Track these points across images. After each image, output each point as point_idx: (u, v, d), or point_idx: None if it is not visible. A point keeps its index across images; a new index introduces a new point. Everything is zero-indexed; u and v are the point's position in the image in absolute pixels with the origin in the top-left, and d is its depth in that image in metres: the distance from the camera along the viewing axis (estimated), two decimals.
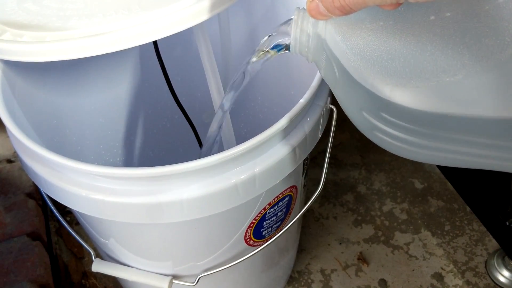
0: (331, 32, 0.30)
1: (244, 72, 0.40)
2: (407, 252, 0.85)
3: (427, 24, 0.27)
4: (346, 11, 0.26)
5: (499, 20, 0.25)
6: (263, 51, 0.37)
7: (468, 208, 0.91)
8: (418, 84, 0.27)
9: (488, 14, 0.25)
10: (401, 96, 0.28)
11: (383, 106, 0.29)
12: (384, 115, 0.29)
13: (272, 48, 0.36)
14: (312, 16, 0.29)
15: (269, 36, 0.36)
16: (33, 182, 0.82)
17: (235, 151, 0.40)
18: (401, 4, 0.25)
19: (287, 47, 0.35)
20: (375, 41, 0.28)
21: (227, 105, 0.46)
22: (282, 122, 0.42)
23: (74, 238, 0.84)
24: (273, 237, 0.56)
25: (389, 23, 0.28)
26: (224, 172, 0.42)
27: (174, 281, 0.53)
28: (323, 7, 0.27)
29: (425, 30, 0.27)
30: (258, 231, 0.54)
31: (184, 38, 0.73)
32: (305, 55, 0.34)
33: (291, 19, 0.34)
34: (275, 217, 0.54)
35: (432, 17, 0.26)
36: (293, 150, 0.45)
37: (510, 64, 0.25)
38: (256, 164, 0.43)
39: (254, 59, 0.38)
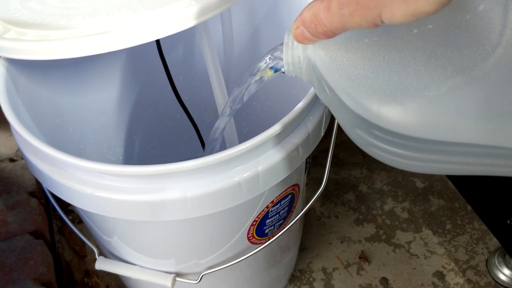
0: (320, 54, 0.31)
1: (242, 96, 0.42)
2: (408, 251, 0.85)
3: (410, 38, 0.26)
4: (330, 35, 0.27)
5: (480, 29, 0.24)
6: (259, 75, 0.39)
7: (469, 207, 0.91)
8: (403, 101, 0.27)
9: (469, 24, 0.25)
10: (388, 114, 0.27)
11: (372, 124, 0.29)
12: (376, 132, 0.29)
13: (269, 69, 0.38)
14: (299, 41, 0.30)
15: (263, 60, 0.38)
16: (36, 181, 0.82)
17: (238, 149, 0.40)
18: (379, 25, 0.25)
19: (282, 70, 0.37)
20: (360, 60, 0.29)
21: (223, 123, 0.47)
22: (286, 119, 0.42)
23: (76, 236, 0.85)
24: (276, 235, 0.56)
25: (374, 39, 0.28)
26: (227, 170, 0.42)
27: (177, 278, 0.53)
28: (308, 33, 0.28)
29: (408, 45, 0.26)
30: (260, 229, 0.54)
31: (186, 37, 0.73)
32: (299, 76, 0.35)
33: (282, 43, 0.34)
34: (277, 216, 0.55)
35: (415, 31, 0.26)
36: (296, 148, 0.45)
37: (493, 73, 0.24)
38: (259, 162, 0.43)
39: (252, 82, 0.40)
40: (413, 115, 0.27)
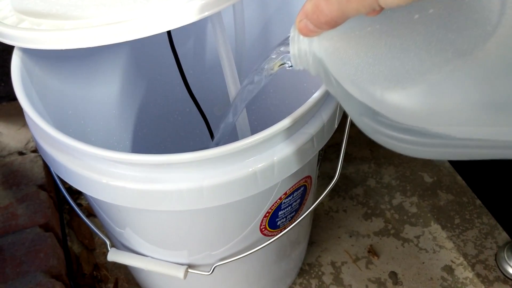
0: (325, 46, 0.31)
1: (252, 90, 0.43)
2: (417, 245, 0.85)
3: (411, 23, 0.26)
4: (333, 24, 0.27)
5: (480, 10, 0.24)
6: (267, 69, 0.39)
7: (477, 202, 0.91)
8: (405, 85, 0.27)
9: (469, 5, 0.25)
10: (391, 99, 0.27)
11: (377, 111, 0.29)
12: (382, 119, 0.29)
13: (277, 63, 0.38)
14: (304, 34, 0.30)
15: (271, 54, 0.38)
16: (45, 174, 0.82)
17: (254, 139, 0.40)
18: (381, 10, 0.25)
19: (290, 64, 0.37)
20: (363, 48, 0.29)
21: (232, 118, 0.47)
22: (301, 110, 0.42)
23: (85, 230, 0.85)
24: (287, 227, 0.56)
25: (376, 27, 0.28)
26: (243, 160, 0.42)
27: (189, 270, 0.53)
28: (311, 25, 0.28)
29: (409, 30, 0.26)
30: (273, 221, 0.54)
31: (197, 30, 0.73)
32: (307, 69, 0.35)
33: (289, 36, 0.35)
34: (290, 207, 0.55)
35: (416, 16, 0.26)
36: (311, 139, 0.45)
37: (495, 54, 0.24)
38: (274, 153, 0.43)
39: (261, 76, 0.40)
40: (416, 100, 0.27)
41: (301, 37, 0.33)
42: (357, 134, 1.10)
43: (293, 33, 0.34)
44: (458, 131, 0.27)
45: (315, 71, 0.34)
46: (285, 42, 0.36)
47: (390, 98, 0.27)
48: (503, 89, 0.24)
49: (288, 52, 0.35)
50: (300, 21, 0.29)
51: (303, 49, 0.33)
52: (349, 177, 0.96)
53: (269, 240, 0.54)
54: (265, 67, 0.39)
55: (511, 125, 0.25)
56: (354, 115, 0.32)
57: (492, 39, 0.24)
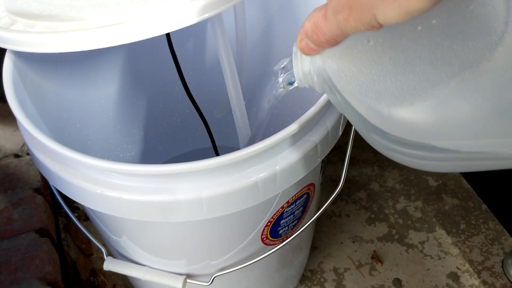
0: (328, 63, 0.31)
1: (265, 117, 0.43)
2: (421, 251, 0.83)
3: (415, 36, 0.25)
4: (333, 43, 0.27)
5: (484, 19, 0.23)
6: (278, 94, 0.39)
7: (483, 207, 0.89)
8: (413, 101, 0.26)
9: (473, 15, 0.24)
10: (399, 116, 0.27)
11: (385, 128, 0.29)
12: (390, 136, 0.29)
13: (283, 86, 0.38)
14: (306, 53, 0.30)
15: (277, 76, 0.38)
16: (41, 178, 0.81)
17: (255, 148, 0.39)
18: (381, 26, 0.24)
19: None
20: (366, 64, 0.28)
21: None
22: (304, 118, 0.40)
23: (83, 234, 0.83)
24: (290, 236, 0.54)
25: (379, 41, 0.27)
26: (244, 169, 0.40)
27: (188, 280, 0.52)
28: (312, 44, 0.28)
29: (413, 43, 0.26)
30: (275, 230, 0.52)
31: (196, 31, 0.71)
32: (313, 87, 0.35)
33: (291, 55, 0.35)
34: (292, 216, 0.53)
35: (419, 27, 0.25)
36: (315, 147, 0.43)
37: (502, 64, 0.23)
38: (277, 162, 0.41)
39: (270, 101, 0.41)
40: (424, 115, 0.26)
41: (304, 55, 0.32)
42: (360, 137, 1.08)
43: (295, 51, 0.33)
44: (467, 145, 0.26)
45: (320, 89, 0.34)
46: (288, 61, 0.37)
47: (397, 115, 0.27)
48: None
49: (292, 72, 0.35)
50: (301, 41, 0.29)
51: (306, 67, 0.33)
52: (352, 180, 0.94)
53: (271, 249, 0.53)
54: (274, 93, 0.39)
55: None
56: (363, 132, 0.32)
57: (498, 49, 0.23)
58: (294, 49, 0.33)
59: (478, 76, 0.24)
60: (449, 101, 0.25)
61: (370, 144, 0.32)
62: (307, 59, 0.32)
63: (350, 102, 0.30)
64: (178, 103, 0.76)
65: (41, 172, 0.45)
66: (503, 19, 0.23)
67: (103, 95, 0.66)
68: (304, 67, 0.33)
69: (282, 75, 0.37)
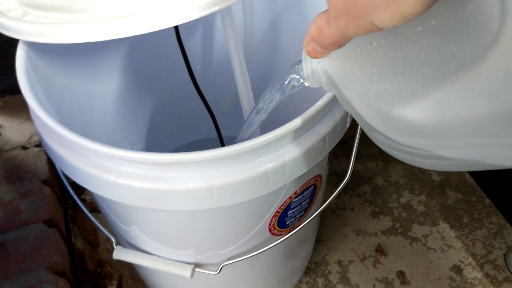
0: (334, 64, 0.31)
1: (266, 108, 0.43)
2: (425, 244, 0.84)
3: (414, 36, 0.26)
4: (337, 45, 0.28)
5: (481, 19, 0.23)
6: (282, 90, 0.40)
7: (486, 201, 0.90)
8: (409, 101, 0.26)
9: (471, 15, 0.24)
10: (397, 115, 0.27)
11: (384, 126, 0.29)
12: (391, 133, 0.29)
13: (293, 87, 0.39)
14: (312, 57, 0.30)
15: (287, 75, 0.39)
16: (49, 169, 0.81)
17: (265, 139, 0.39)
18: (381, 30, 0.24)
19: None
20: (367, 64, 0.28)
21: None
22: (313, 109, 0.41)
23: (89, 225, 0.84)
24: (296, 227, 0.55)
25: (381, 42, 0.28)
26: (254, 159, 0.41)
27: (196, 269, 0.52)
28: (318, 47, 0.29)
29: (412, 44, 0.26)
30: (282, 220, 0.53)
31: (204, 25, 0.72)
32: (322, 87, 0.36)
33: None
34: (299, 207, 0.53)
35: (419, 28, 0.26)
36: (324, 138, 0.44)
37: (496, 63, 0.23)
38: (286, 152, 0.42)
39: (276, 96, 0.41)
40: (420, 115, 0.26)
41: (311, 59, 0.34)
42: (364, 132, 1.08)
43: (304, 56, 0.35)
44: (462, 145, 0.26)
45: (328, 89, 0.35)
46: (299, 63, 0.37)
47: (395, 113, 0.27)
48: (508, 99, 0.24)
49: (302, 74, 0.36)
50: (307, 45, 0.29)
51: (315, 69, 0.34)
52: (356, 174, 0.94)
53: (278, 239, 0.53)
54: (281, 87, 0.40)
55: None
56: (366, 130, 0.32)
57: (493, 49, 0.23)
58: (304, 51, 0.34)
59: (472, 76, 0.24)
60: (444, 101, 0.25)
61: (374, 142, 0.32)
62: (315, 62, 0.34)
63: (351, 102, 0.31)
64: (184, 96, 0.77)
65: (53, 160, 0.45)
66: (498, 19, 0.23)
67: (112, 87, 0.66)
68: (313, 69, 0.34)
69: (291, 74, 0.38)
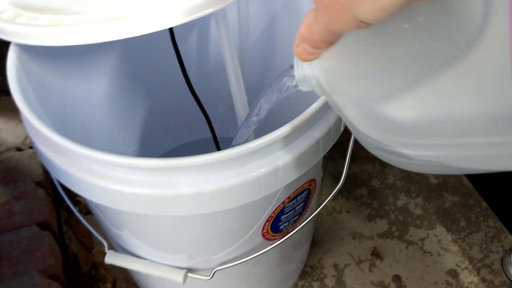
0: (324, 66, 0.31)
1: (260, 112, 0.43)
2: (421, 248, 0.83)
3: (401, 34, 0.25)
4: (328, 41, 0.27)
5: (466, 15, 0.23)
6: (276, 94, 0.39)
7: (483, 204, 0.89)
8: (392, 97, 0.26)
9: (456, 11, 0.24)
10: (380, 112, 0.27)
11: (368, 126, 0.29)
12: (374, 133, 0.29)
13: (287, 90, 0.38)
14: (304, 59, 0.29)
15: (280, 79, 0.38)
16: (43, 171, 0.81)
17: (257, 144, 0.39)
18: (369, 25, 0.24)
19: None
20: (354, 63, 0.28)
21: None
22: (306, 114, 0.41)
23: (84, 228, 0.84)
24: (291, 231, 0.54)
25: (369, 40, 0.27)
26: (246, 164, 0.40)
27: (189, 274, 0.52)
28: (309, 47, 0.28)
29: (398, 41, 0.26)
30: (275, 225, 0.52)
31: (199, 26, 0.72)
32: (314, 90, 0.35)
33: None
34: (293, 211, 0.53)
35: (407, 26, 0.25)
36: (317, 142, 0.43)
37: (478, 59, 0.23)
38: (279, 157, 0.41)
39: (270, 99, 0.40)
40: (403, 112, 0.26)
41: (303, 63, 0.33)
42: None
43: (296, 60, 0.34)
44: (457, 138, 0.26)
45: (320, 92, 0.34)
46: (291, 68, 0.37)
47: (377, 111, 0.27)
48: (490, 95, 0.23)
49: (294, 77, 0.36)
50: (297, 47, 0.29)
51: (306, 72, 0.33)
52: (352, 177, 0.94)
53: (271, 244, 0.53)
54: (274, 91, 0.39)
55: (504, 132, 0.24)
56: (352, 129, 0.32)
57: (476, 43, 0.23)
58: (295, 56, 0.34)
59: (455, 72, 0.24)
60: (427, 97, 0.25)
61: (361, 143, 0.32)
62: (306, 64, 0.33)
63: (339, 104, 0.31)
64: (180, 98, 0.76)
65: (44, 165, 0.45)
66: (482, 14, 0.23)
67: (106, 89, 0.66)
68: (304, 72, 0.33)
69: (284, 78, 0.38)
